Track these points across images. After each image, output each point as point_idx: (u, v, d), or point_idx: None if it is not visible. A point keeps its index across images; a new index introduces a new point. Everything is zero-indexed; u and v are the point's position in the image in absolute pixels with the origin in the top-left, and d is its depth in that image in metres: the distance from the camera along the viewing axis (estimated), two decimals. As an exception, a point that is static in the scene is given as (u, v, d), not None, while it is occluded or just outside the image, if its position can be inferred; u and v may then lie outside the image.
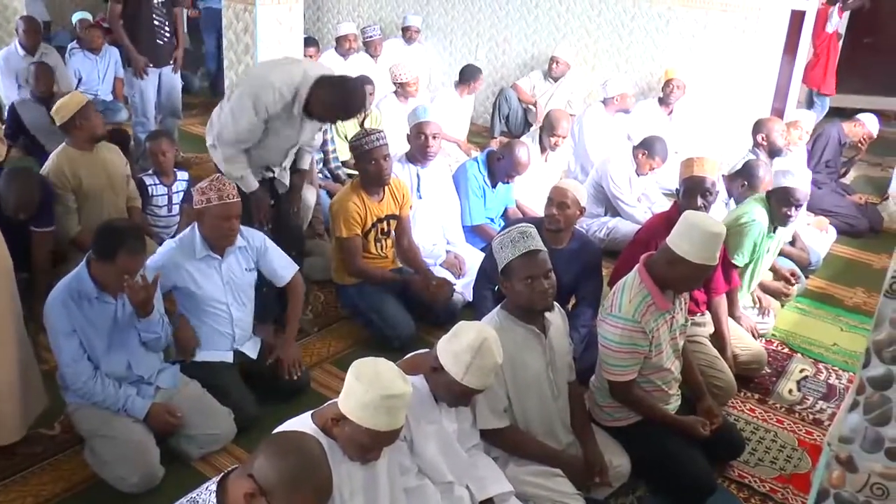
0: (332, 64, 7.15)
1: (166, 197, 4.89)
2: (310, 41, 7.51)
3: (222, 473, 2.00)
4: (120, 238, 3.09)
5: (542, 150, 5.65)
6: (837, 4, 8.32)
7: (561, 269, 3.43)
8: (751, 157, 5.24)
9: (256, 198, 4.09)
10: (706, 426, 3.25)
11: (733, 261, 4.21)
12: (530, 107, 7.64)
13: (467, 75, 7.21)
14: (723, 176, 4.98)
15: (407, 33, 8.36)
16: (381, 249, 4.46)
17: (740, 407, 3.97)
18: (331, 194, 5.26)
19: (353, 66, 7.59)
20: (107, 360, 3.21)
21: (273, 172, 4.23)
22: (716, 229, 3.09)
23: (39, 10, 9.33)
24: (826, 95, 8.72)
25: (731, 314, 4.23)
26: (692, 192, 4.06)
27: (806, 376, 4.28)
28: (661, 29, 7.36)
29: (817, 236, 5.64)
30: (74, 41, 7.89)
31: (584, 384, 3.46)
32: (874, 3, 8.99)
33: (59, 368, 3.23)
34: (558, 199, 3.95)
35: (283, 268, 3.83)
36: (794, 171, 4.26)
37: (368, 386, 2.20)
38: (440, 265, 4.79)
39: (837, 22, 8.44)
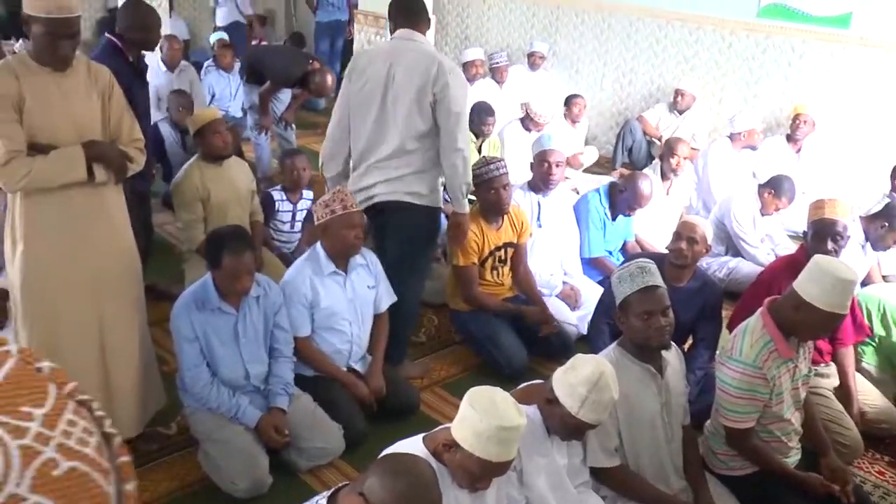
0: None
1: (291, 213, 5.04)
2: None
3: (333, 489, 2.04)
4: (221, 242, 3.26)
5: (665, 179, 5.57)
6: None
7: (680, 307, 3.36)
8: (888, 200, 5.02)
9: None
10: (830, 487, 3.09)
11: None
12: (654, 140, 7.54)
13: (567, 104, 7.30)
14: (860, 217, 4.79)
15: (532, 59, 8.39)
16: (498, 277, 4.47)
17: (867, 468, 3.76)
18: (448, 218, 5.30)
19: (478, 91, 7.66)
20: (225, 368, 3.34)
21: None
22: (848, 276, 2.96)
23: (181, 28, 9.86)
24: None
25: (858, 367, 4.05)
26: (822, 235, 3.91)
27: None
28: (793, 63, 7.14)
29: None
30: (211, 59, 8.27)
31: (698, 429, 3.37)
32: None
33: (180, 372, 3.37)
34: (687, 234, 3.88)
35: (386, 296, 3.88)
36: None
37: (483, 415, 2.20)
38: (556, 296, 4.76)
39: None
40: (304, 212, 5.05)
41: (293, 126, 6.96)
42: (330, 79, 6.24)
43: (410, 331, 4.34)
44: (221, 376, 3.33)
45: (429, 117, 3.80)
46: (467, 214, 4.07)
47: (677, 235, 3.92)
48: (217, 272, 3.27)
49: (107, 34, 4.38)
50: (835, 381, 3.91)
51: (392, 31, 3.97)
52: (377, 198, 3.92)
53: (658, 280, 3.01)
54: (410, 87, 3.77)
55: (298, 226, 5.08)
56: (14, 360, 0.71)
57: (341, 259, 3.68)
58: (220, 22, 10.10)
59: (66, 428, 0.70)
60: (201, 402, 3.32)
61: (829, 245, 3.84)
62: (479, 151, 6.17)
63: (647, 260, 3.13)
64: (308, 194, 5.13)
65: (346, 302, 3.70)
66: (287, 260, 4.92)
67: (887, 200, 4.93)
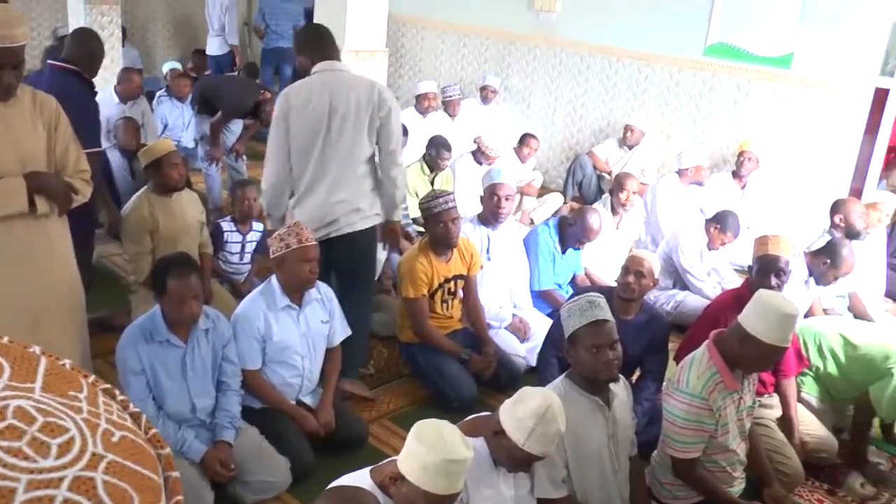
0: (411, 121, 7.29)
1: (240, 244, 5.01)
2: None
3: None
4: (166, 268, 3.26)
5: (614, 214, 5.66)
6: None
7: (628, 340, 3.41)
8: (829, 237, 5.15)
9: None
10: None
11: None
12: (604, 175, 7.65)
13: (521, 141, 7.39)
14: (804, 253, 4.91)
15: (484, 93, 8.48)
16: (447, 309, 4.49)
17: (808, 496, 3.82)
18: (400, 252, 5.32)
19: (431, 124, 7.72)
20: (171, 401, 3.29)
21: None
22: (790, 310, 3.04)
23: (133, 58, 9.79)
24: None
25: (799, 398, 4.12)
26: (766, 270, 4.01)
27: (881, 470, 4.11)
28: (738, 101, 7.33)
29: (896, 325, 5.48)
30: (163, 89, 8.21)
31: (646, 459, 3.40)
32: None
33: (125, 406, 3.30)
34: (635, 268, 3.94)
35: (339, 331, 3.89)
36: None
37: (430, 448, 2.20)
38: (506, 328, 4.79)
39: None
40: (254, 243, 5.02)
41: (244, 157, 6.94)
42: None
43: (366, 344, 4.43)
44: (167, 409, 3.28)
45: (373, 141, 3.97)
46: (400, 222, 4.26)
47: (625, 270, 3.99)
48: (163, 299, 3.24)
49: (49, 61, 4.46)
50: (778, 412, 3.99)
51: (309, 65, 3.99)
52: (341, 230, 3.98)
53: (607, 314, 3.05)
54: (356, 116, 3.86)
55: (248, 257, 5.05)
56: (44, 357, 0.86)
57: (296, 293, 3.67)
58: (214, 52, 10.15)
59: (105, 407, 0.85)
60: (146, 437, 3.25)
61: (773, 280, 3.95)
62: (432, 184, 6.21)
63: (597, 294, 3.17)
64: (258, 226, 5.11)
65: (300, 336, 3.69)
66: (238, 289, 4.89)
67: (828, 237, 5.06)
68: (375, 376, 4.54)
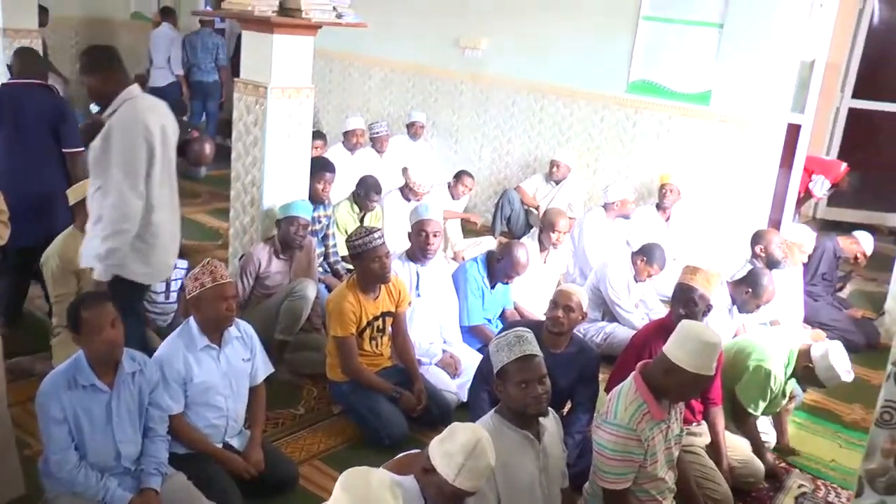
0: (338, 158, 7.30)
1: (164, 283, 4.92)
2: (317, 135, 7.66)
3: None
4: (79, 301, 3.21)
5: (542, 249, 5.74)
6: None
7: (557, 373, 3.45)
8: (750, 267, 5.29)
9: None
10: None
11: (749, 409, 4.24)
12: (532, 209, 7.75)
13: (457, 178, 7.45)
14: (727, 282, 5.04)
15: (413, 129, 8.54)
16: (377, 347, 4.48)
17: (737, 521, 3.92)
18: (330, 289, 5.30)
19: (359, 161, 7.73)
20: (94, 450, 3.19)
21: None
22: (713, 339, 3.13)
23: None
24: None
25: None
26: (675, 298, 4.17)
27: (805, 492, 4.23)
28: (661, 136, 7.52)
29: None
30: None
31: (577, 491, 3.44)
32: (869, 122, 9.29)
33: (45, 455, 3.20)
34: (564, 302, 4.00)
35: (263, 369, 3.85)
36: None
37: (355, 500, 2.17)
38: (436, 364, 4.80)
39: (822, 189, 8.52)
40: (179, 281, 4.93)
41: None
42: (209, 147, 6.18)
43: None
44: (90, 458, 3.18)
45: None
46: None
47: (554, 304, 4.04)
48: (82, 337, 3.15)
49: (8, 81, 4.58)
50: (706, 439, 4.09)
51: (100, 87, 3.77)
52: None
53: (535, 348, 3.08)
54: (173, 140, 3.84)
55: (174, 296, 4.96)
56: None
57: (214, 332, 3.63)
58: (158, 83, 10.08)
59: None
60: (66, 487, 3.15)
61: (681, 310, 4.04)
62: (362, 222, 6.23)
63: (525, 328, 3.20)
64: (182, 263, 5.02)
65: (221, 376, 3.64)
66: (162, 334, 4.79)
67: (750, 267, 5.21)
68: (305, 416, 4.50)
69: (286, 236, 5.02)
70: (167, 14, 10.57)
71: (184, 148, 6.23)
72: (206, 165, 6.64)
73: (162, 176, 3.76)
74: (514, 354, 3.03)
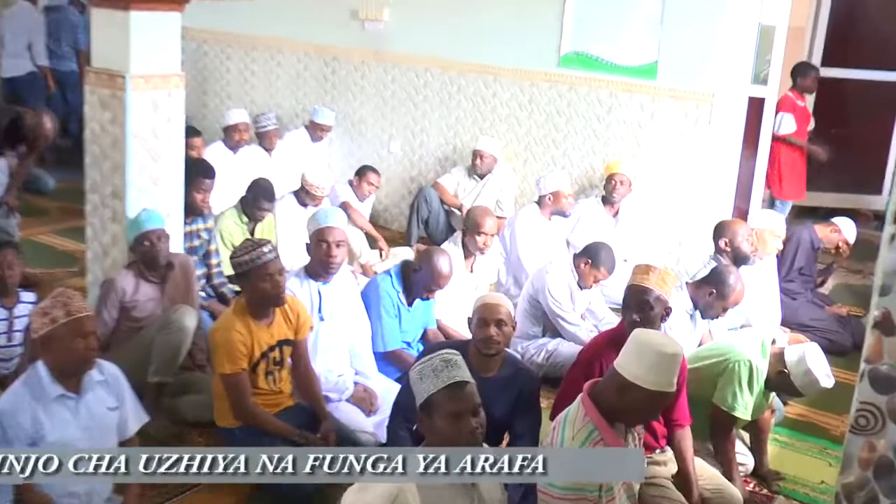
0: (219, 158, 7.21)
1: (6, 322, 4.81)
2: (193, 131, 7.57)
3: None
4: None
5: (468, 255, 5.75)
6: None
7: (491, 401, 3.46)
8: (714, 264, 5.39)
9: None
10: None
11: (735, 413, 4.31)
12: (454, 210, 7.77)
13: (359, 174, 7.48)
14: (686, 284, 5.12)
15: (316, 131, 8.49)
16: (274, 383, 4.43)
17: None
18: (214, 317, 5.22)
19: (244, 161, 7.68)
20: None
21: None
22: (672, 350, 3.16)
23: None
24: (786, 201, 8.89)
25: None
26: (627, 303, 4.21)
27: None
28: (602, 117, 7.60)
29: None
30: None
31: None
32: (842, 93, 9.53)
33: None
34: (493, 318, 4.00)
35: (134, 419, 3.81)
36: None
37: None
38: (347, 400, 4.77)
39: (787, 126, 8.51)
40: (25, 318, 4.81)
41: (17, 213, 6.61)
42: (48, 120, 6.00)
43: None
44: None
45: None
46: None
47: (482, 322, 4.02)
48: None
49: None
50: (673, 468, 4.12)
51: None
52: None
53: (466, 374, 3.08)
54: None
55: (18, 336, 4.84)
56: None
57: (71, 377, 3.55)
58: (9, 73, 9.88)
59: None
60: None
61: (635, 315, 4.10)
62: (252, 234, 6.15)
63: (452, 350, 3.19)
64: (28, 296, 4.91)
65: (81, 430, 3.55)
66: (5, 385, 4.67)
67: (713, 264, 5.30)
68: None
69: (144, 257, 4.92)
70: None
71: (13, 130, 5.97)
72: (46, 143, 6.38)
73: None
74: (441, 382, 3.01)
